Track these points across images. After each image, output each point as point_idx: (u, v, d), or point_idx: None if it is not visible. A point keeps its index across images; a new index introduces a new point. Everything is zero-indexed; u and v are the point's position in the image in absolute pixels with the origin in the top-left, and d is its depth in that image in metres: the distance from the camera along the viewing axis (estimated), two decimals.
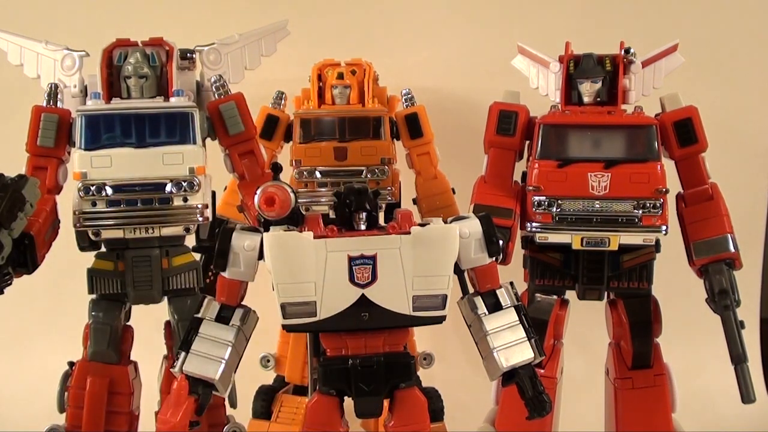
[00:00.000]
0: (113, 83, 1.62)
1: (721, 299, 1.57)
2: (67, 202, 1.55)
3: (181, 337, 1.42)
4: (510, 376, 1.32)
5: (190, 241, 1.63)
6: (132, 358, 1.65)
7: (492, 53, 2.18)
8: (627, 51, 1.71)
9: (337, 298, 1.27)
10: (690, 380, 1.85)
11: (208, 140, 1.62)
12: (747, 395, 1.53)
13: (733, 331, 1.54)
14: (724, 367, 1.57)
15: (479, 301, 1.34)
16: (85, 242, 1.57)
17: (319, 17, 2.41)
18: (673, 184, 1.66)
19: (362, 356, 1.30)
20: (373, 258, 1.26)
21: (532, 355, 1.32)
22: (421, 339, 2.03)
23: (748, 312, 1.68)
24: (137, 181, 1.52)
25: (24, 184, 1.44)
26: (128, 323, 1.65)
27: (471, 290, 1.36)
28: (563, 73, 1.71)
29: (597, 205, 1.60)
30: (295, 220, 1.34)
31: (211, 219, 1.59)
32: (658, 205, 1.58)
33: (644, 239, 1.61)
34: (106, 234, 1.54)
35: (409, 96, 1.97)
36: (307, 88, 1.96)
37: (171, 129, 1.54)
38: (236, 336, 1.32)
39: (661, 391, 1.67)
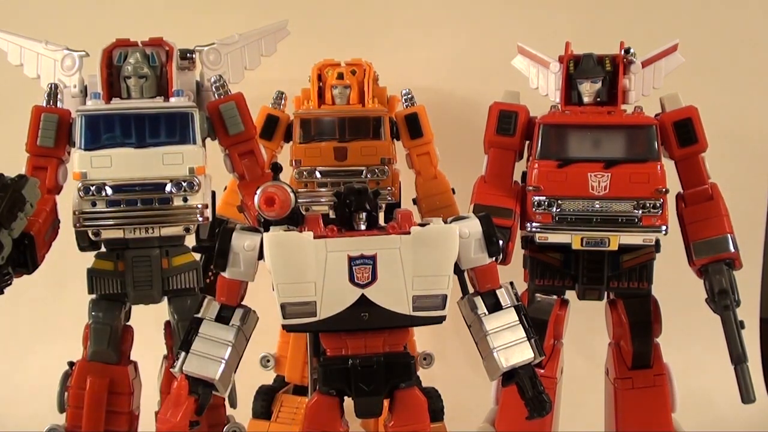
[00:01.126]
0: (113, 83, 1.62)
1: (721, 299, 1.57)
2: (67, 202, 1.55)
3: (181, 337, 1.41)
4: (510, 376, 1.32)
5: (190, 241, 1.63)
6: (132, 358, 1.65)
7: (492, 53, 2.18)
8: (627, 51, 1.71)
9: (337, 298, 1.26)
10: (690, 380, 1.85)
11: (208, 140, 1.62)
12: (747, 395, 1.53)
13: (733, 331, 1.54)
14: (724, 367, 1.57)
15: (479, 301, 1.34)
16: (85, 242, 1.56)
17: (319, 17, 2.41)
18: (673, 184, 1.66)
19: (362, 356, 1.30)
20: (373, 258, 1.26)
21: (532, 355, 1.32)
22: (421, 339, 2.02)
23: (748, 312, 1.68)
24: (137, 181, 1.52)
25: (24, 184, 1.44)
26: (128, 323, 1.65)
27: (471, 290, 1.36)
28: (563, 73, 1.71)
29: (597, 205, 1.59)
30: (295, 220, 1.34)
31: (211, 219, 1.58)
32: (658, 205, 1.58)
33: (644, 239, 1.60)
34: (106, 234, 1.54)
35: (409, 96, 1.97)
36: (307, 88, 1.96)
37: (171, 129, 1.54)
38: (236, 336, 1.32)
39: (661, 391, 1.67)
